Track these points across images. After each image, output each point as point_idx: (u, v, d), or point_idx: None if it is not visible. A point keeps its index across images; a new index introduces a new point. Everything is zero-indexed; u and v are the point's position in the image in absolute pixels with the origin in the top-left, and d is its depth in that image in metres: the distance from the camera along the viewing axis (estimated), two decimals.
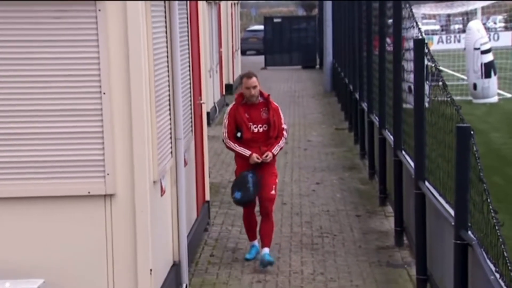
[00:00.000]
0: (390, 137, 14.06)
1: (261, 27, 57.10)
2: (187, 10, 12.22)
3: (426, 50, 11.00)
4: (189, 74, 12.25)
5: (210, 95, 25.82)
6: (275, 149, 11.77)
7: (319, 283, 11.05)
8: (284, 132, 11.95)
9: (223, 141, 11.95)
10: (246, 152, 11.61)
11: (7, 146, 8.62)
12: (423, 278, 10.38)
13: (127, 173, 8.61)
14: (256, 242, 11.94)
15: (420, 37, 11.68)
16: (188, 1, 12.37)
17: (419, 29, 12.52)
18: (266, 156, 11.60)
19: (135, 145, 8.66)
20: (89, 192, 8.60)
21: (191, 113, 12.31)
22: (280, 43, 50.84)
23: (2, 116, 8.60)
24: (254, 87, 11.60)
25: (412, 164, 11.42)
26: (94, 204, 8.62)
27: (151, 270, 8.60)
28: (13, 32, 8.58)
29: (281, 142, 11.90)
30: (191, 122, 12.34)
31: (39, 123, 8.64)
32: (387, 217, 14.12)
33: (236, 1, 41.39)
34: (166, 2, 10.34)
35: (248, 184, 11.41)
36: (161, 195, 9.77)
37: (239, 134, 11.73)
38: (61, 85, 8.64)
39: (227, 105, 30.59)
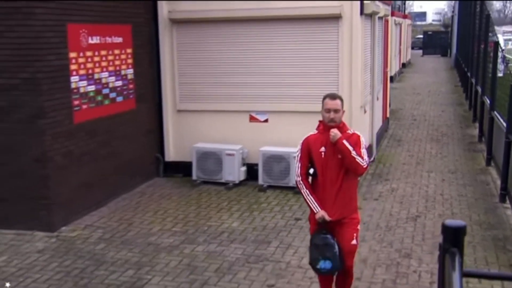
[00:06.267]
0: (479, 88, 13.64)
1: (421, 36, 54.51)
2: (383, 25, 12.25)
3: (500, 48, 10.76)
4: (382, 56, 12.39)
5: (394, 68, 25.40)
6: (347, 144, 4.35)
7: (438, 157, 10.97)
8: (364, 156, 4.39)
9: (296, 181, 4.59)
10: (316, 208, 4.48)
11: (283, 88, 8.83)
12: (489, 157, 10.23)
13: (347, 101, 8.43)
14: None
15: (496, 40, 11.36)
16: (383, 21, 12.41)
17: (496, 37, 12.14)
18: (333, 133, 4.38)
19: (353, 89, 8.79)
20: None
21: (381, 75, 12.35)
22: (430, 43, 48.52)
23: (287, 74, 8.85)
24: (336, 110, 4.40)
25: (488, 101, 11.13)
26: None
27: None
28: (291, 45, 8.77)
29: (358, 158, 4.35)
30: (382, 79, 12.39)
31: (308, 78, 8.79)
32: (475, 128, 13.72)
33: (410, 23, 39.93)
34: (372, 21, 10.34)
35: (334, 250, 4.47)
36: (364, 113, 9.84)
37: (311, 171, 4.54)
38: (318, 57, 8.80)
39: (402, 73, 30.11)
